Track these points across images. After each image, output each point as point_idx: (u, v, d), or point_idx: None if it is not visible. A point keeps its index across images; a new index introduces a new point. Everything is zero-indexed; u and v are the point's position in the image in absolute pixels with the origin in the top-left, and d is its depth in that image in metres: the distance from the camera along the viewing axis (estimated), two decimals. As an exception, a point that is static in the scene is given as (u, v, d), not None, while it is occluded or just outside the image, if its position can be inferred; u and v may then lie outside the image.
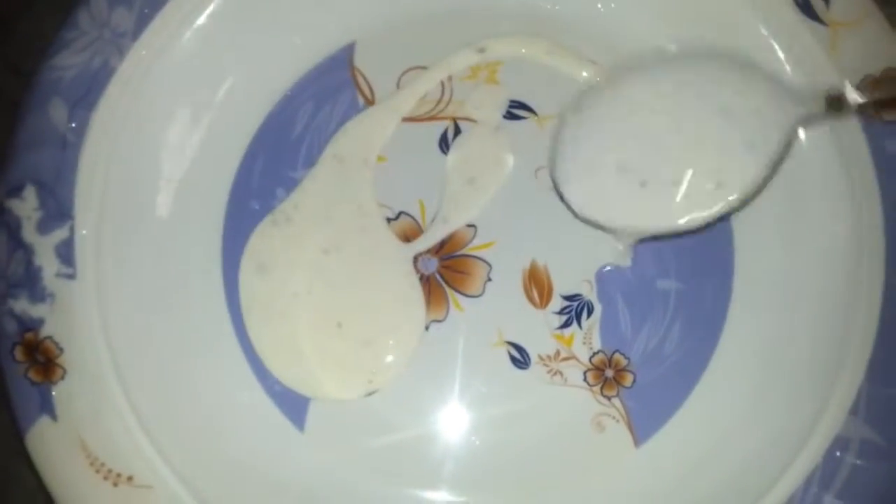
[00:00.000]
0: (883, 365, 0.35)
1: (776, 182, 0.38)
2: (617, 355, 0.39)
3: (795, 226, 0.39)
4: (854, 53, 0.38)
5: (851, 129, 0.38)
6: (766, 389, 0.38)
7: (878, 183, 0.37)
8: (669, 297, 0.40)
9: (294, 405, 0.39)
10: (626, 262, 0.40)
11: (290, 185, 0.41)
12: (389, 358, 0.40)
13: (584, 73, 0.41)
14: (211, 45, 0.40)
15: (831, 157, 0.38)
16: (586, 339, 0.40)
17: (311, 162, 0.41)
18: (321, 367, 0.40)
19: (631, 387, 0.39)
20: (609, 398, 0.39)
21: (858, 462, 0.34)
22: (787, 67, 0.39)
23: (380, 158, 0.41)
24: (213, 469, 0.36)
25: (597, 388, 0.39)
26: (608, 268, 0.40)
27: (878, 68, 0.38)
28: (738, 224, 0.39)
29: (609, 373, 0.39)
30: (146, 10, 0.38)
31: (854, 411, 0.35)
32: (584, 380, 0.39)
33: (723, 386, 0.38)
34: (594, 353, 0.39)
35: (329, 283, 0.40)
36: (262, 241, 0.41)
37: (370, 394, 0.39)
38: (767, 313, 0.39)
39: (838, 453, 0.34)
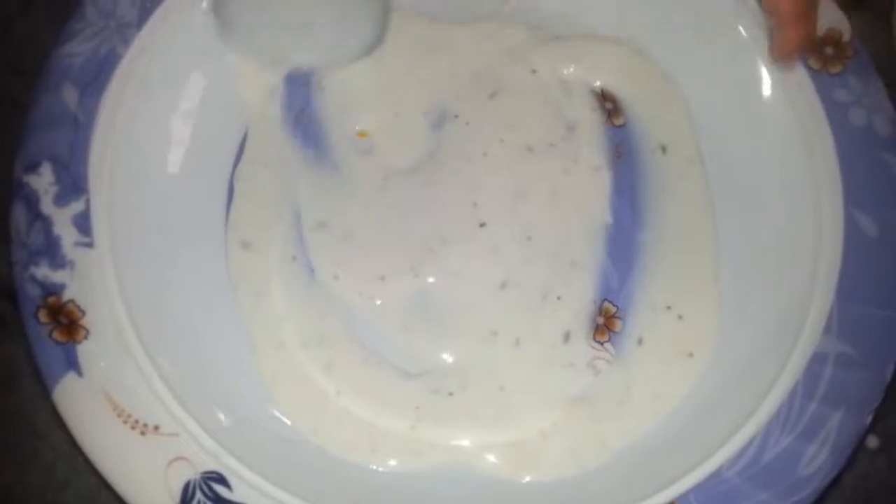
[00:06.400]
0: (848, 289, 0.38)
1: (740, 143, 0.42)
2: (606, 304, 0.42)
3: (760, 173, 0.42)
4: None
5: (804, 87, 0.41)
6: (747, 320, 0.40)
7: (830, 127, 0.40)
8: (647, 247, 0.42)
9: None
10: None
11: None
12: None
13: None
14: (207, 37, 0.43)
15: (788, 115, 0.42)
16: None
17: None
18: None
19: (620, 332, 0.42)
20: (601, 343, 0.41)
21: (835, 373, 0.37)
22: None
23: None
24: (233, 420, 0.37)
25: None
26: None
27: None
28: (713, 176, 0.43)
29: (599, 320, 0.42)
30: (148, 4, 0.41)
31: (827, 330, 0.38)
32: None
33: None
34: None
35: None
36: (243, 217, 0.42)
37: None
38: (741, 255, 0.42)
39: (817, 367, 0.37)
